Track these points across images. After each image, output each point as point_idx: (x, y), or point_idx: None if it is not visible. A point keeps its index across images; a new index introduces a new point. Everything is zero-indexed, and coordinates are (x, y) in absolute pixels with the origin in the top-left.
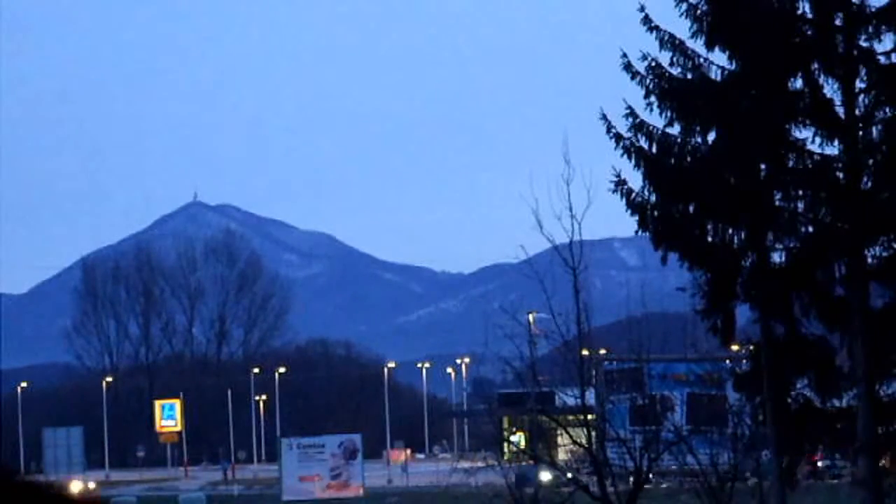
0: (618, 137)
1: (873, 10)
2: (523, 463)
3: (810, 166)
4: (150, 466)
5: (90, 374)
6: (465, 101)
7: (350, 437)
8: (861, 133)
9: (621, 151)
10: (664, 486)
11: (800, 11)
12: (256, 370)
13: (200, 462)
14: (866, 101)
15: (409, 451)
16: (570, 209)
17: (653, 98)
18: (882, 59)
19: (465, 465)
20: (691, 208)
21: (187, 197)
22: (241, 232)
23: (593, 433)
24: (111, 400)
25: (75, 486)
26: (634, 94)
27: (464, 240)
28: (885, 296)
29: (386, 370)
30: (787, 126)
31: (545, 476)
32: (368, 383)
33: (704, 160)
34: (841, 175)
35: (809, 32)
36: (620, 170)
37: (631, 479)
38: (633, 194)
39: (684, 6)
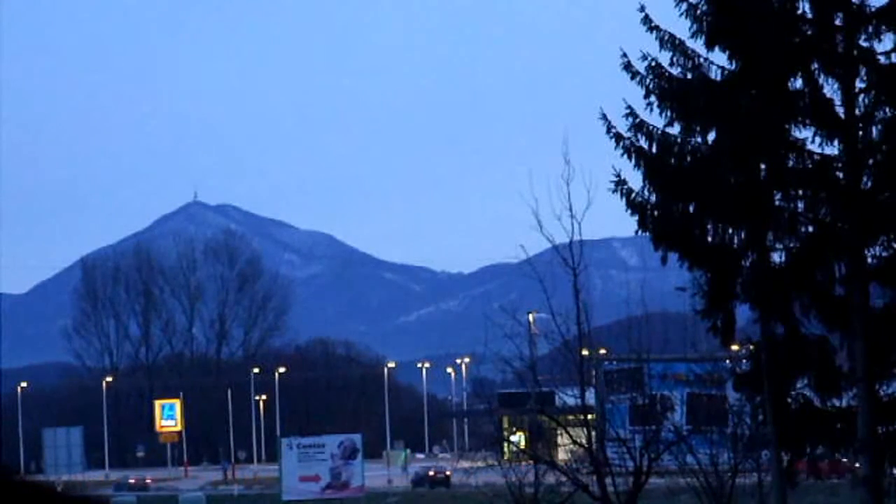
0: (618, 137)
1: (873, 10)
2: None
3: (810, 166)
4: (150, 466)
5: (90, 374)
6: (465, 100)
7: (350, 437)
8: (861, 133)
9: (621, 151)
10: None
11: (800, 11)
12: (256, 370)
13: (200, 462)
14: (866, 101)
15: (407, 452)
16: (570, 209)
17: (653, 98)
18: (882, 59)
19: (465, 465)
20: (691, 208)
21: (187, 197)
22: (241, 232)
23: (593, 433)
24: (111, 400)
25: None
26: (634, 94)
27: (464, 240)
28: (885, 296)
29: (386, 370)
30: (787, 126)
31: None
32: (368, 383)
33: (704, 160)
34: (841, 175)
35: (809, 32)
36: (620, 170)
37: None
38: (633, 194)
39: (684, 6)
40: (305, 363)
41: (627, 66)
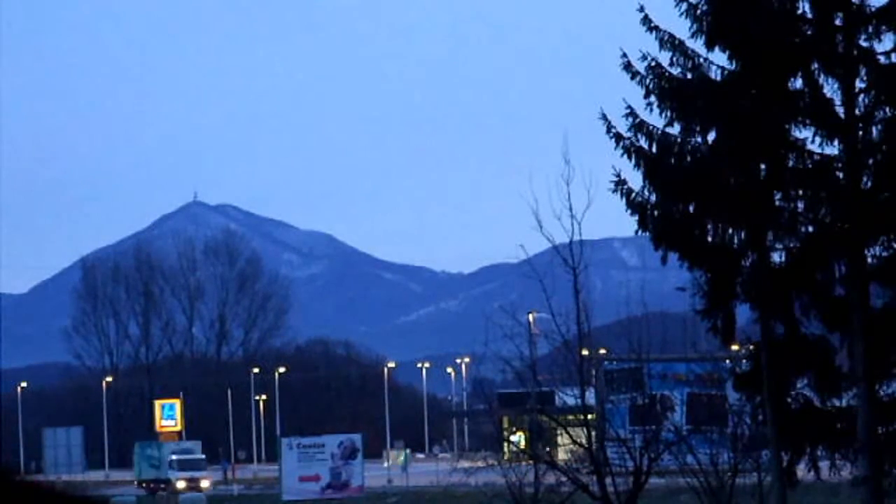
0: (618, 137)
1: (873, 10)
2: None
3: (810, 166)
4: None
5: (90, 374)
6: (465, 100)
7: (350, 437)
8: (861, 133)
9: (621, 151)
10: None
11: (800, 11)
12: (256, 370)
13: None
14: (866, 101)
15: (407, 452)
16: (570, 209)
17: (653, 98)
18: (882, 59)
19: (465, 465)
20: (691, 208)
21: (187, 197)
22: (241, 232)
23: (593, 433)
24: (111, 400)
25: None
26: (634, 94)
27: (464, 240)
28: (885, 296)
29: (386, 370)
30: (787, 126)
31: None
32: (368, 383)
33: (704, 160)
34: (841, 175)
35: (809, 32)
36: (620, 170)
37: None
38: (633, 194)
39: (684, 6)
40: (305, 363)
41: (627, 66)
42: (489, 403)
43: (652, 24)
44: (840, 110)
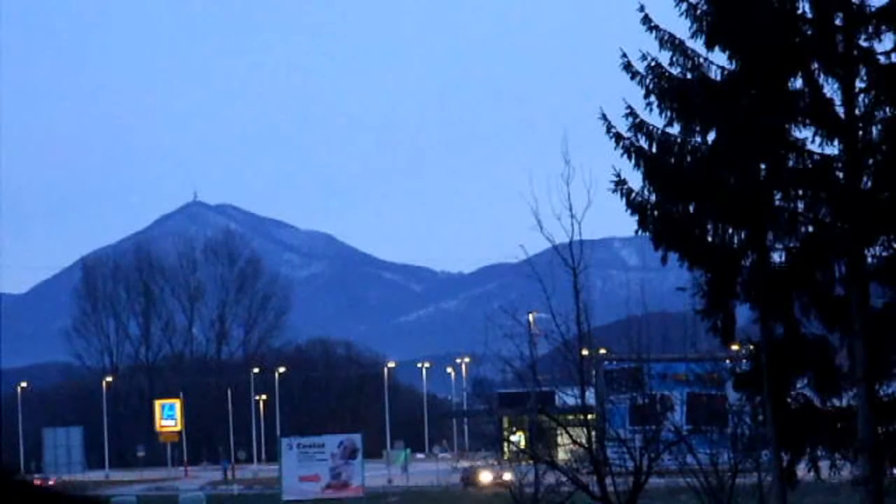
0: (618, 137)
1: (873, 9)
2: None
3: (810, 166)
4: (150, 466)
5: (90, 374)
6: (464, 101)
7: (350, 437)
8: (861, 133)
9: (621, 151)
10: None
11: (800, 11)
12: (256, 370)
13: (200, 462)
14: (866, 101)
15: (407, 452)
16: (570, 209)
17: (653, 98)
18: (882, 58)
19: (465, 465)
20: (691, 208)
21: (187, 197)
22: (241, 232)
23: (593, 433)
24: (111, 400)
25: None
26: (634, 94)
27: (464, 240)
28: (885, 296)
29: (386, 370)
30: (787, 126)
31: None
32: (368, 383)
33: (704, 160)
34: (841, 175)
35: (809, 32)
36: (620, 170)
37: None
38: (633, 194)
39: (684, 6)
40: (305, 363)
41: (627, 66)
42: (489, 403)
43: (652, 24)
44: (840, 110)
